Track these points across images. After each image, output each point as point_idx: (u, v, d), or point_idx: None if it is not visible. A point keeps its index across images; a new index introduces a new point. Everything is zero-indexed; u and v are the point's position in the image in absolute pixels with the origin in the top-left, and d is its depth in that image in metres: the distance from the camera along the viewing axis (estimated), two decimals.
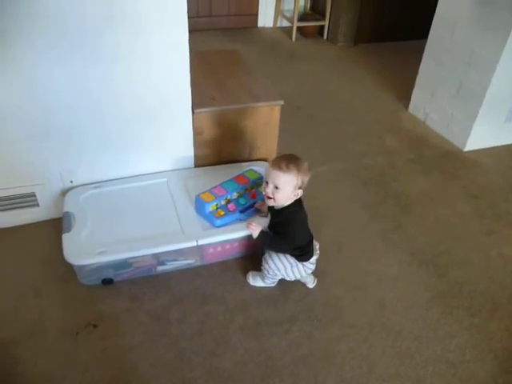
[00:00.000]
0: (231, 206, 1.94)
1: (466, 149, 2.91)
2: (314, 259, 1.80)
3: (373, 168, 2.72)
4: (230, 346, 1.65)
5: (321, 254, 2.01)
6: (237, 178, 2.04)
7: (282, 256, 1.76)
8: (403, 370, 1.60)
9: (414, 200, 2.47)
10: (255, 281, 1.89)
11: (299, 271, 1.79)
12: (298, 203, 1.71)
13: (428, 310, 1.84)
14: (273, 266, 1.77)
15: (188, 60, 1.92)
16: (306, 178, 1.65)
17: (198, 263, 1.92)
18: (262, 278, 1.86)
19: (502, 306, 1.87)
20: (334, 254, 2.08)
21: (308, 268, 1.79)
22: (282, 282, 1.90)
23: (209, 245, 1.85)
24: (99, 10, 1.67)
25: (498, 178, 2.70)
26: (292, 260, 1.75)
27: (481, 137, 2.88)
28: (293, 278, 1.83)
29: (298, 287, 1.89)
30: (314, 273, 1.91)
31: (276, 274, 1.81)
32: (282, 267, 1.77)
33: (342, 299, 1.86)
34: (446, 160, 2.85)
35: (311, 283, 1.90)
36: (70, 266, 1.76)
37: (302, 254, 1.75)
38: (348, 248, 2.12)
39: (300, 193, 1.66)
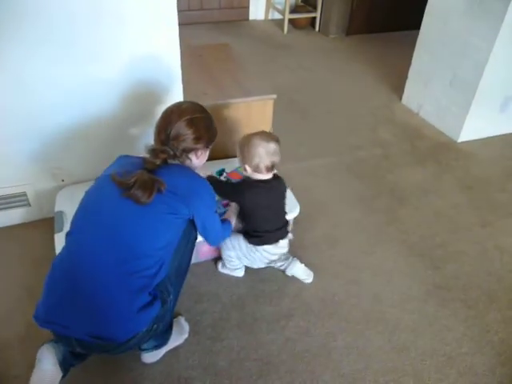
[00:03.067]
0: (225, 202, 1.92)
1: (460, 140, 2.90)
2: (278, 245, 1.79)
3: (367, 161, 2.71)
4: (227, 343, 1.64)
5: (315, 249, 2.01)
6: (231, 174, 2.02)
7: (233, 238, 1.79)
8: (400, 364, 1.60)
9: (409, 192, 2.46)
10: (223, 268, 1.90)
11: (262, 255, 1.79)
12: (251, 185, 1.71)
13: (424, 303, 1.83)
14: (224, 246, 1.81)
15: (179, 56, 1.89)
16: (247, 156, 1.67)
17: (193, 260, 1.89)
18: (226, 266, 1.88)
19: (498, 297, 1.87)
20: (329, 248, 2.07)
21: (271, 254, 1.79)
22: (277, 277, 1.89)
23: (204, 242, 1.83)
24: (87, 8, 1.64)
25: (492, 169, 2.69)
26: (243, 243, 1.77)
27: (475, 127, 2.87)
28: (256, 264, 1.84)
29: (293, 283, 1.88)
30: (311, 267, 1.90)
31: (231, 256, 1.82)
32: (231, 247, 1.79)
33: (338, 294, 1.85)
34: (439, 151, 2.84)
35: (308, 278, 1.89)
36: None
37: (254, 237, 1.76)
38: (343, 242, 2.11)
39: (247, 168, 1.69)
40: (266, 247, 1.78)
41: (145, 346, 1.50)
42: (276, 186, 1.77)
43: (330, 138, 2.91)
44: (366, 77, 3.77)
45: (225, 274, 1.90)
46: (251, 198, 1.71)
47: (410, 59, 3.20)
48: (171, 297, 1.38)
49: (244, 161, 1.69)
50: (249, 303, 1.79)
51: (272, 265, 1.86)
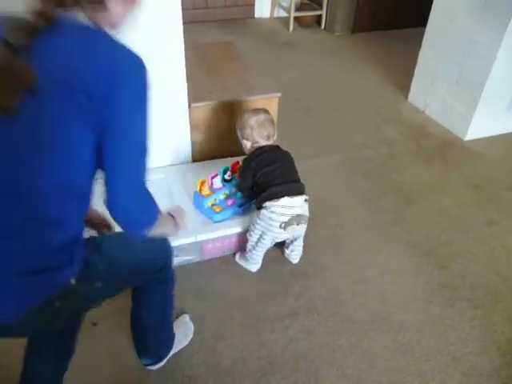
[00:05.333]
0: (230, 201, 1.92)
1: (467, 138, 2.88)
2: (291, 202, 1.71)
3: (373, 159, 2.69)
4: (230, 342, 1.64)
5: (320, 248, 2.01)
6: (233, 165, 2.02)
7: (253, 220, 1.81)
8: (405, 364, 1.59)
9: (415, 191, 2.44)
10: (240, 259, 1.93)
11: (278, 216, 1.70)
12: (254, 152, 1.83)
13: (429, 302, 1.82)
14: (248, 233, 1.82)
15: (183, 54, 1.89)
16: (243, 130, 1.85)
17: (197, 259, 1.90)
18: (245, 257, 1.89)
19: (504, 297, 1.85)
20: (334, 246, 2.06)
21: (286, 213, 1.70)
22: (282, 276, 1.89)
23: (208, 240, 1.84)
24: None
25: (499, 167, 2.67)
26: (260, 215, 1.75)
27: (481, 126, 2.85)
28: (276, 231, 1.74)
29: (298, 282, 1.88)
30: (316, 266, 1.89)
31: (251, 233, 1.81)
32: (255, 224, 1.78)
33: (343, 293, 1.84)
34: (446, 150, 2.82)
35: (296, 259, 1.93)
36: None
37: (264, 192, 1.73)
38: (348, 241, 2.10)
39: (246, 143, 1.86)
40: (278, 202, 1.69)
41: (144, 361, 1.49)
42: (279, 149, 1.86)
43: (335, 137, 2.90)
44: (372, 75, 3.75)
45: (231, 271, 1.90)
46: (257, 160, 1.79)
47: (416, 57, 3.18)
48: (99, 284, 1.01)
49: (242, 136, 1.87)
50: (253, 302, 1.79)
51: (289, 232, 1.78)
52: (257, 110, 1.89)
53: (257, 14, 4.88)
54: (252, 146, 1.85)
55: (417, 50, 3.16)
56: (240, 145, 1.91)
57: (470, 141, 2.88)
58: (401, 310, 1.79)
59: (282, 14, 4.84)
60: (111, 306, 1.72)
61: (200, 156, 2.23)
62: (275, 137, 1.88)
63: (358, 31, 4.57)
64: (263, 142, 1.83)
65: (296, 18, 4.62)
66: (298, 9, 4.61)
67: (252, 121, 1.83)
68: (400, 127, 3.02)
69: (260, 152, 1.81)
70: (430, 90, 3.09)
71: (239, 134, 1.89)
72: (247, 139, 1.85)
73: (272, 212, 1.71)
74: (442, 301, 1.83)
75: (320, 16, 4.67)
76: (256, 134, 1.82)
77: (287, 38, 4.45)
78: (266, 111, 1.88)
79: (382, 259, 2.02)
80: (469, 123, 2.82)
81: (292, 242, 1.87)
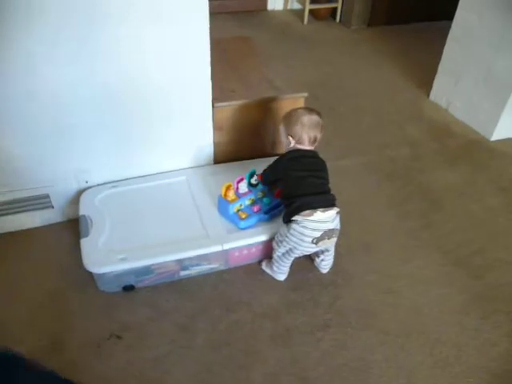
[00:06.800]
0: (256, 207, 1.84)
1: (493, 138, 2.78)
2: (322, 216, 1.62)
3: (396, 160, 2.60)
4: (260, 356, 1.57)
5: (350, 256, 1.93)
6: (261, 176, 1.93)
7: (279, 234, 1.73)
8: (444, 381, 1.52)
9: (442, 194, 2.36)
10: (266, 267, 1.86)
11: (308, 231, 1.61)
12: (291, 152, 1.75)
13: (466, 314, 1.74)
14: (275, 247, 1.75)
15: (209, 52, 1.81)
16: (291, 126, 1.73)
17: (222, 267, 1.83)
18: (271, 266, 1.82)
19: None
20: (362, 254, 1.98)
21: (316, 228, 1.61)
22: (310, 285, 1.81)
23: (235, 249, 1.76)
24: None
25: None
26: (288, 230, 1.65)
27: (510, 125, 2.75)
28: (306, 245, 1.65)
29: (327, 291, 1.80)
30: (345, 275, 1.82)
31: (281, 257, 1.75)
32: (281, 240, 1.70)
33: (374, 304, 1.77)
34: (471, 150, 2.72)
35: (326, 269, 1.86)
36: (88, 272, 1.67)
37: (293, 204, 1.63)
38: (376, 248, 2.02)
39: (290, 140, 1.74)
40: (311, 217, 1.59)
41: None
42: (317, 157, 1.77)
43: (356, 137, 2.80)
44: (391, 71, 3.64)
45: (257, 279, 1.82)
46: (290, 159, 1.72)
47: (437, 52, 3.06)
48: None
49: (288, 131, 1.74)
50: (281, 313, 1.71)
51: (320, 247, 1.69)
52: (311, 110, 1.77)
53: (270, 6, 4.75)
54: (294, 146, 1.74)
55: (437, 44, 3.05)
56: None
57: (496, 141, 2.78)
58: (436, 322, 1.71)
59: (296, 6, 4.72)
60: (133, 316, 1.66)
61: (222, 158, 2.15)
62: (317, 143, 1.78)
63: (375, 25, 4.45)
64: (306, 145, 1.73)
65: (310, 11, 4.49)
66: (312, 1, 4.48)
67: (305, 118, 1.71)
68: (423, 126, 2.93)
69: (297, 155, 1.72)
70: (455, 87, 2.98)
71: (284, 129, 1.77)
72: (293, 136, 1.72)
73: (304, 227, 1.61)
74: (478, 313, 1.75)
75: (335, 9, 4.54)
76: (304, 134, 1.70)
77: (302, 32, 4.33)
78: (319, 113, 1.76)
79: (413, 268, 1.93)
80: (496, 122, 2.72)
81: (323, 251, 1.79)
